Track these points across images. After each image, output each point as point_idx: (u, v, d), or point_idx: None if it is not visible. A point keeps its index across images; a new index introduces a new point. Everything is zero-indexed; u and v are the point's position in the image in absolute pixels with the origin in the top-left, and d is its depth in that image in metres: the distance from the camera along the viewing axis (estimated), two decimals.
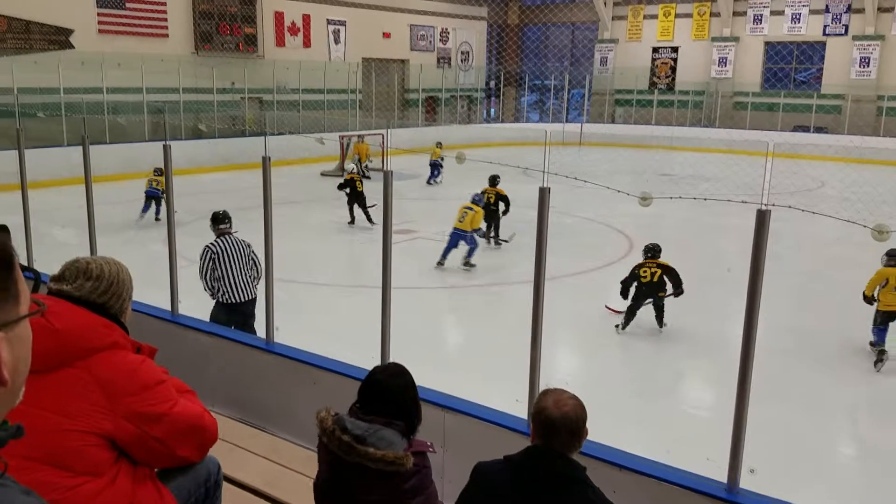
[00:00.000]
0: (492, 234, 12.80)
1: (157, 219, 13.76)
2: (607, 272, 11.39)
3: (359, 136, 21.25)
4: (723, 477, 3.13)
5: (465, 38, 33.72)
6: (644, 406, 6.57)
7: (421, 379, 2.78)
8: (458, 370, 6.94)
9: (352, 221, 14.31)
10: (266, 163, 4.70)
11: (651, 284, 8.39)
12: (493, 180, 12.87)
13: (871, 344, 7.76)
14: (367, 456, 2.40)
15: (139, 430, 2.11)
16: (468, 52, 34.09)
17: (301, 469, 3.60)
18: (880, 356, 7.45)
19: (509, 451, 2.49)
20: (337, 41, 27.75)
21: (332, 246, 12.55)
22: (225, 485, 2.75)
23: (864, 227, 3.06)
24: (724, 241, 12.89)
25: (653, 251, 8.64)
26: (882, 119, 27.86)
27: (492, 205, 12.57)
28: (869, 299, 7.87)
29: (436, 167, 20.03)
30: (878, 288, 7.75)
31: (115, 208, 13.20)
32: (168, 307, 5.34)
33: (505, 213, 12.77)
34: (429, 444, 2.62)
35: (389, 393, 2.56)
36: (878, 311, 7.72)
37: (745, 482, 3.11)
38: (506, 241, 12.57)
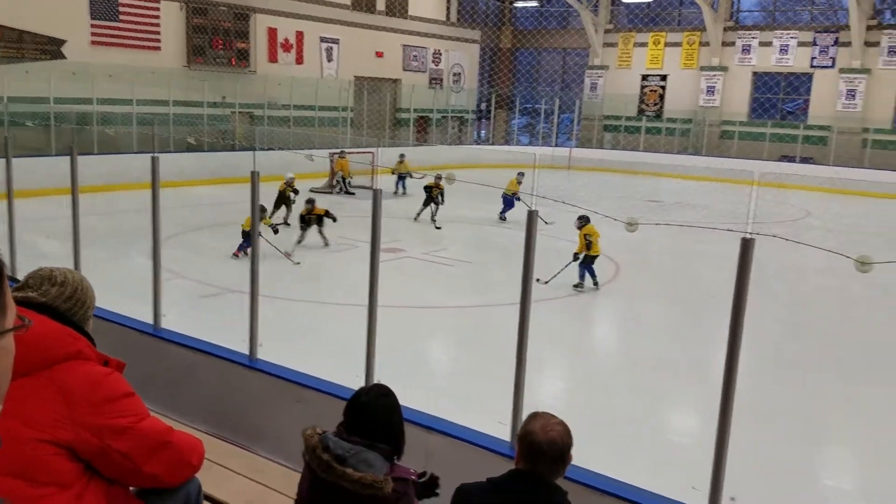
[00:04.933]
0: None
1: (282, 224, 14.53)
2: (593, 295, 11.43)
3: (340, 151, 21.22)
4: None
5: (458, 59, 33.95)
6: (629, 432, 6.56)
7: (405, 399, 2.77)
8: (442, 391, 6.91)
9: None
10: (254, 177, 4.71)
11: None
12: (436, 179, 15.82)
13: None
14: (345, 477, 2.38)
15: (101, 443, 2.05)
16: (460, 74, 34.31)
17: (283, 489, 3.54)
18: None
19: (492, 473, 2.48)
20: (330, 59, 27.85)
21: (318, 263, 12.52)
22: None
23: (848, 258, 3.09)
24: (709, 268, 12.96)
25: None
26: (867, 151, 28.21)
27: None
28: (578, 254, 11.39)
29: (509, 204, 16.53)
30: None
31: (101, 220, 13.13)
32: (151, 320, 5.31)
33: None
34: (412, 471, 2.59)
35: (374, 414, 2.54)
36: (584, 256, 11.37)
37: None
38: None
